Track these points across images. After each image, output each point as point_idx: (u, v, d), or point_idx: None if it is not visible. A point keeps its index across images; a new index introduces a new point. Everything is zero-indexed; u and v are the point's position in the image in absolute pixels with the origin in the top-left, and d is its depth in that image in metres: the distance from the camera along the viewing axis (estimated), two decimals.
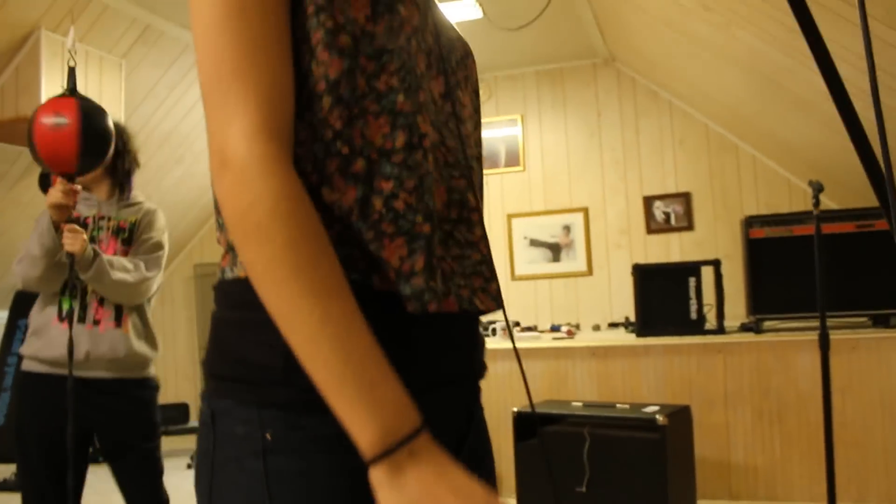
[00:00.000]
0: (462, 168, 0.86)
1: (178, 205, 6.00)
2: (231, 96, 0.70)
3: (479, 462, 0.91)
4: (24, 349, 2.39)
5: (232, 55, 0.70)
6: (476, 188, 0.88)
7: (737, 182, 5.11)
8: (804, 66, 3.29)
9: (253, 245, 0.67)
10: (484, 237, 0.87)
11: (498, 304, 0.87)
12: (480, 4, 3.89)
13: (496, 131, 5.51)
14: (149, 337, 2.49)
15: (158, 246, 2.52)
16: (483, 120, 5.54)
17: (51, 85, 3.98)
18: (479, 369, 0.92)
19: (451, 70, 0.88)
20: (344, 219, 0.75)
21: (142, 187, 5.56)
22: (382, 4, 0.78)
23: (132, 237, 2.49)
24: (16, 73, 4.06)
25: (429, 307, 0.75)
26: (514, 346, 0.88)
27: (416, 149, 0.78)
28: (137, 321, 2.46)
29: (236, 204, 0.68)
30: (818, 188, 2.94)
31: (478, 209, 0.87)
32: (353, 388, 0.65)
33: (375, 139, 0.77)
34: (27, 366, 2.38)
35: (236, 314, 0.78)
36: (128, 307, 2.43)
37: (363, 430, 0.65)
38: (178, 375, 6.43)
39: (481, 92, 5.54)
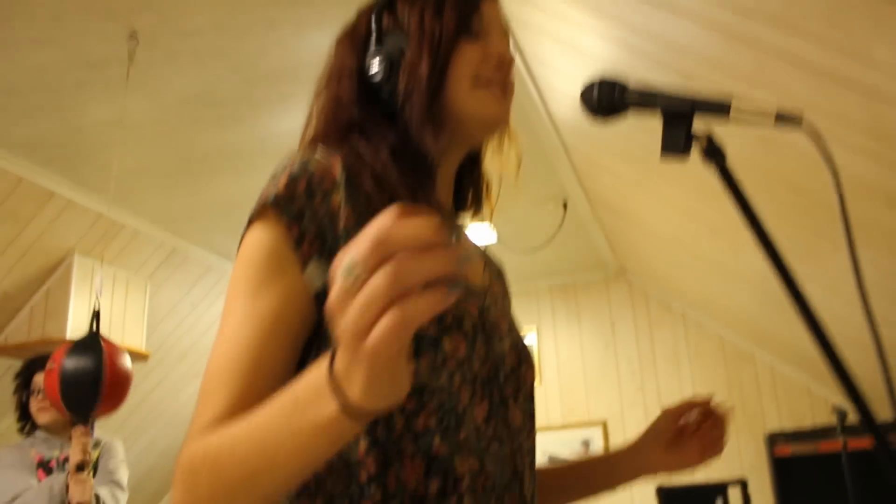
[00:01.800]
0: (499, 491, 0.83)
1: None
2: (203, 404, 0.74)
3: None
4: None
5: (212, 376, 0.75)
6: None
7: (756, 392, 5.05)
8: (813, 282, 3.36)
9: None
10: None
11: None
12: (495, 228, 4.07)
13: None
14: None
15: (118, 478, 2.56)
16: None
17: (79, 309, 4.09)
18: None
19: (499, 388, 0.86)
20: None
21: (155, 403, 5.57)
22: (426, 341, 0.79)
23: (96, 472, 2.52)
24: (46, 296, 4.19)
25: None
26: None
27: (448, 496, 0.77)
28: None
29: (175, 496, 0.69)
30: (843, 415, 2.91)
31: None
32: None
33: (409, 483, 0.76)
34: None
35: None
36: None
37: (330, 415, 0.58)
38: None
39: None
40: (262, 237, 0.80)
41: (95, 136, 3.35)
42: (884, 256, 2.67)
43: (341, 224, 0.80)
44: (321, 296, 0.79)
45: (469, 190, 1.04)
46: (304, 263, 0.79)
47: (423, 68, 0.88)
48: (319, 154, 0.84)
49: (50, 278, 4.17)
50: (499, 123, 0.94)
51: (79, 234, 4.09)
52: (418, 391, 0.78)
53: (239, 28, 2.70)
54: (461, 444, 0.79)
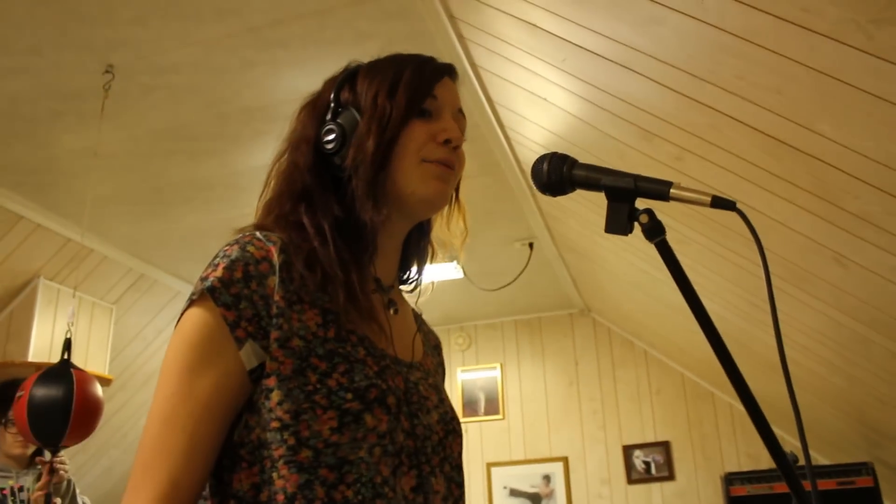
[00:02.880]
0: None
1: None
2: (141, 479, 0.81)
3: None
4: None
5: (149, 452, 0.82)
6: None
7: (715, 431, 5.14)
8: (766, 334, 3.46)
9: None
10: None
11: None
12: (462, 267, 4.13)
13: (476, 379, 5.59)
14: None
15: None
16: (463, 368, 5.66)
17: (42, 331, 4.08)
18: None
19: (426, 459, 0.91)
20: None
21: (117, 427, 5.52)
22: (350, 415, 0.83)
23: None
24: (9, 317, 4.16)
25: None
26: None
27: None
28: None
29: None
30: (794, 458, 2.99)
31: None
32: None
33: None
34: None
35: None
36: None
37: None
38: None
39: (461, 341, 5.69)
40: (200, 319, 0.86)
41: (68, 164, 3.37)
42: (831, 308, 2.78)
43: (273, 308, 0.86)
44: (254, 371, 0.85)
45: (414, 260, 1.09)
46: (240, 344, 0.85)
47: (370, 144, 0.95)
48: (259, 238, 0.90)
49: (14, 300, 4.15)
50: (436, 203, 0.99)
51: (45, 257, 4.08)
52: (339, 464, 0.82)
53: (215, 66, 2.76)
54: None
